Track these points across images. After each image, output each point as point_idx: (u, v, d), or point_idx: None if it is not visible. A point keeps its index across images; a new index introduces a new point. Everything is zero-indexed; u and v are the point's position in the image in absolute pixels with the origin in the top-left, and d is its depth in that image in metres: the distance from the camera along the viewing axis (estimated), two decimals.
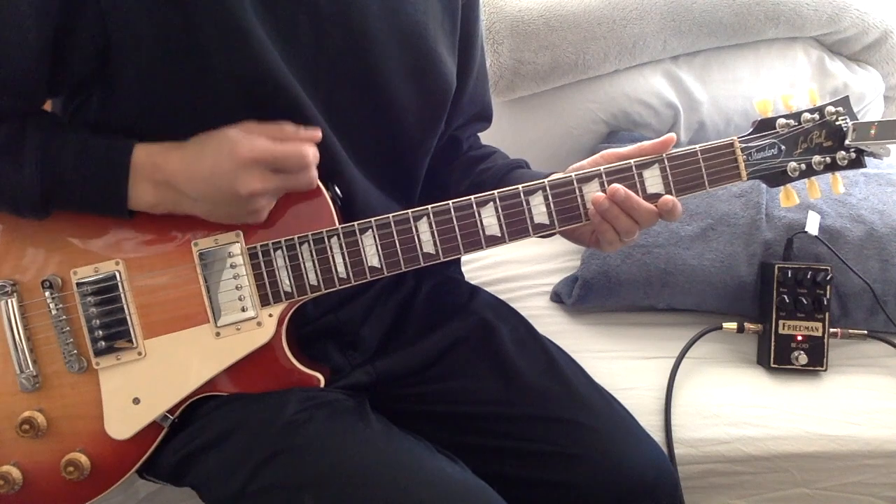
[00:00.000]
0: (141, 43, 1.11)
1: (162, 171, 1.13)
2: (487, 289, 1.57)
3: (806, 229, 1.74)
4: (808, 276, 1.70)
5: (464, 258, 1.46)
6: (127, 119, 1.17)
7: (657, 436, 1.53)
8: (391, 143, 1.31)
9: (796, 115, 1.23)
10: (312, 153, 1.15)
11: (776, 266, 1.71)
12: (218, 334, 1.19)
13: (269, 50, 1.13)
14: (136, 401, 1.20)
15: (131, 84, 1.14)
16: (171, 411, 1.21)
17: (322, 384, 1.25)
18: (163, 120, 1.16)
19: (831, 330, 1.71)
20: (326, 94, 1.21)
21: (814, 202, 1.78)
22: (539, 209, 1.20)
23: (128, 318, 1.19)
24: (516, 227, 1.21)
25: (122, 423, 1.21)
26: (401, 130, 1.31)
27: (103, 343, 1.19)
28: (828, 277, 1.69)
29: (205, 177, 1.12)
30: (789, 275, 1.70)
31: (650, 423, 1.56)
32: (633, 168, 1.21)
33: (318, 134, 1.17)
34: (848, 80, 2.17)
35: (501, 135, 2.05)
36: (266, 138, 1.12)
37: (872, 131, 1.21)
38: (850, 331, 1.74)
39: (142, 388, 1.20)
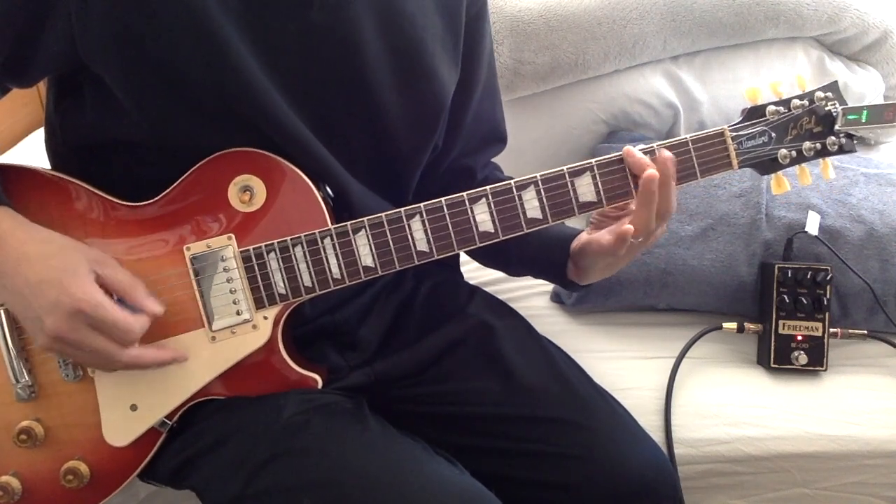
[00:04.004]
0: (107, 51, 1.11)
1: None
2: (487, 289, 1.56)
3: (806, 229, 1.73)
4: (808, 276, 1.69)
5: (463, 258, 1.46)
6: (119, 125, 1.18)
7: (657, 436, 1.53)
8: (382, 153, 1.31)
9: (786, 102, 1.23)
10: (140, 328, 1.12)
11: (776, 266, 1.71)
12: (213, 338, 1.19)
13: (245, 60, 1.13)
14: (134, 407, 1.20)
15: (108, 91, 1.15)
16: (169, 416, 1.21)
17: (319, 386, 1.25)
18: (152, 130, 1.17)
19: (831, 330, 1.71)
20: (315, 103, 1.21)
21: (814, 202, 1.77)
22: (532, 204, 1.20)
23: None
24: (509, 222, 1.20)
25: (121, 429, 1.21)
26: (392, 142, 1.31)
27: None
28: (828, 277, 1.69)
29: (29, 283, 1.09)
30: (789, 275, 1.70)
31: (650, 423, 1.56)
32: (625, 159, 1.20)
33: (159, 311, 1.15)
34: (848, 80, 2.16)
35: None
36: (104, 295, 1.10)
37: (862, 116, 1.21)
38: (850, 331, 1.73)
39: (139, 394, 1.20)
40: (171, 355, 1.18)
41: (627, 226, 1.18)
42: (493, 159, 1.56)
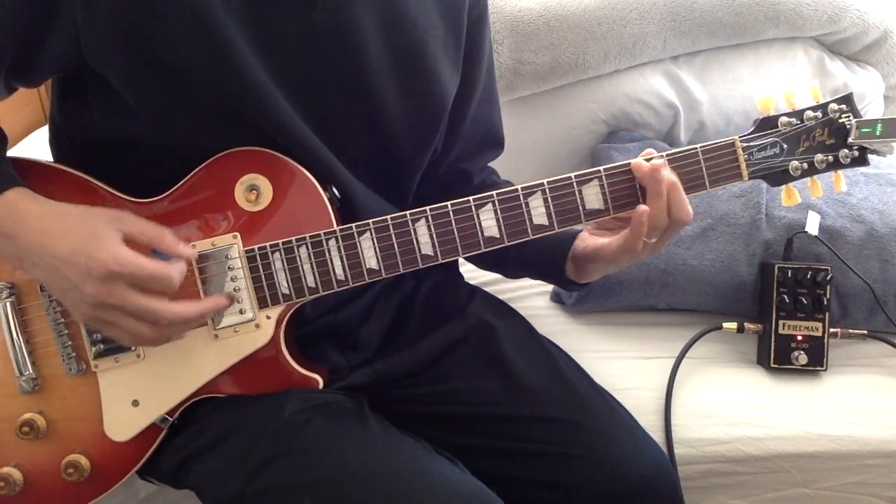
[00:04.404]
0: (111, 52, 1.11)
1: (17, 224, 1.10)
2: (487, 289, 1.57)
3: (806, 229, 1.74)
4: (808, 276, 1.70)
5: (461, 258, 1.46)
6: (122, 125, 1.18)
7: (657, 436, 1.53)
8: (383, 154, 1.31)
9: (798, 114, 1.22)
10: (178, 273, 1.10)
11: (776, 266, 1.71)
12: (216, 336, 1.19)
13: (249, 61, 1.13)
14: (136, 403, 1.20)
15: (112, 91, 1.15)
16: (170, 413, 1.22)
17: (321, 385, 1.25)
18: (155, 130, 1.17)
19: (831, 330, 1.71)
20: (317, 104, 1.21)
21: (814, 202, 1.77)
22: (538, 210, 1.19)
23: None
24: (515, 228, 1.20)
25: (122, 424, 1.21)
26: (392, 143, 1.31)
27: (102, 345, 1.19)
28: (828, 277, 1.69)
29: (57, 257, 1.07)
30: (789, 275, 1.70)
31: (650, 423, 1.56)
32: (633, 167, 1.20)
33: (192, 253, 1.15)
34: (848, 80, 2.16)
35: None
36: (133, 252, 1.08)
37: (876, 129, 1.20)
38: (850, 331, 1.74)
39: (141, 389, 1.20)
40: (213, 304, 1.16)
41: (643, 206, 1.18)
42: (493, 162, 1.56)
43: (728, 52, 2.17)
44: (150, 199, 1.20)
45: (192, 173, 1.19)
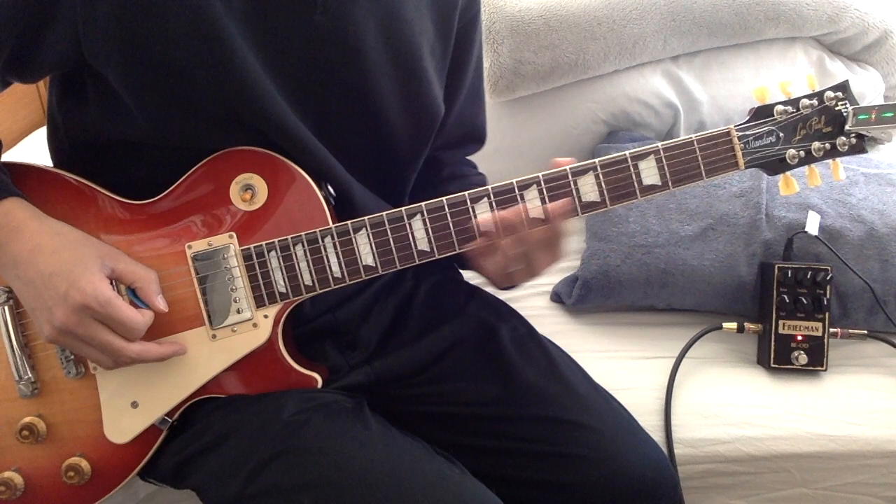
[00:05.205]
0: (111, 51, 1.11)
1: (10, 233, 1.12)
2: (487, 289, 1.56)
3: (806, 229, 1.73)
4: (808, 276, 1.69)
5: None
6: (121, 125, 1.18)
7: (657, 436, 1.52)
8: (382, 155, 1.32)
9: (794, 102, 1.22)
10: (144, 324, 1.13)
11: (776, 266, 1.71)
12: (214, 336, 1.19)
13: (249, 62, 1.13)
14: (135, 404, 1.20)
15: (111, 90, 1.15)
16: (169, 414, 1.22)
17: (320, 385, 1.25)
18: (153, 130, 1.17)
19: (831, 330, 1.70)
20: (316, 104, 1.22)
21: (814, 202, 1.77)
22: (534, 203, 1.19)
23: None
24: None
25: (121, 426, 1.21)
26: (390, 145, 1.32)
27: None
28: (828, 277, 1.68)
29: (39, 272, 1.10)
30: (789, 275, 1.70)
31: (650, 423, 1.55)
32: (629, 160, 1.19)
33: (163, 309, 1.16)
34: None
35: (502, 135, 2.05)
36: (114, 293, 1.11)
37: (873, 116, 1.20)
38: (850, 331, 1.73)
39: (140, 391, 1.20)
40: (173, 349, 1.18)
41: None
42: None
43: (728, 52, 2.17)
44: (147, 201, 1.21)
45: (187, 174, 1.20)
